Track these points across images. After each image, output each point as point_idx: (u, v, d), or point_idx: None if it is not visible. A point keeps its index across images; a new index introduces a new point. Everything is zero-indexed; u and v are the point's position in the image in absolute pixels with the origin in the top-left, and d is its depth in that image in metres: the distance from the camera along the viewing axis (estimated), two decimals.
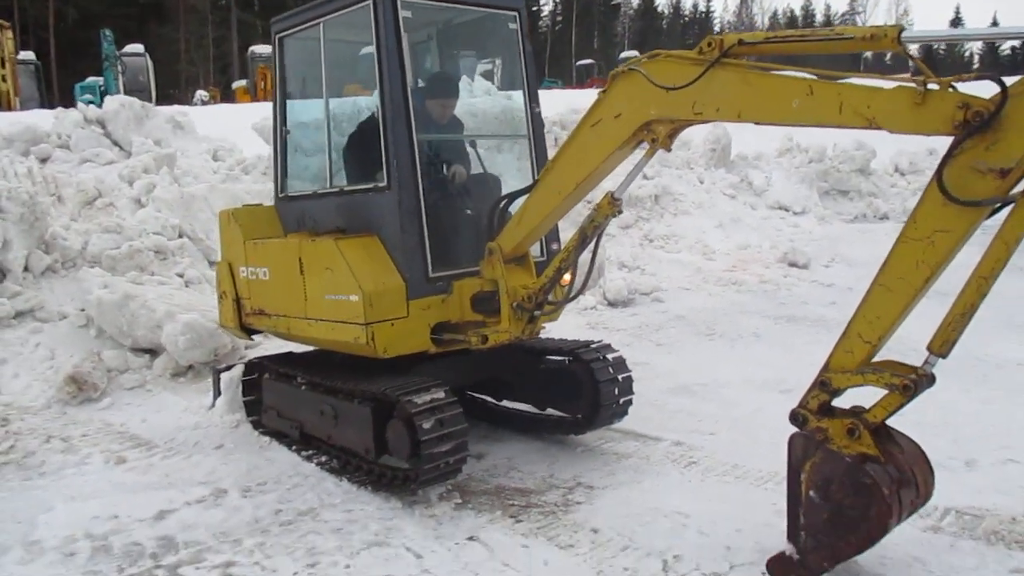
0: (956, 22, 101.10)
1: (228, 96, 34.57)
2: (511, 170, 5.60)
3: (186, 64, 44.42)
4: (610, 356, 5.15)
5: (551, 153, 4.61)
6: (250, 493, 4.64)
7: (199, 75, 44.44)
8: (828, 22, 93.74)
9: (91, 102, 27.89)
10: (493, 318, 4.60)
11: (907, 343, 3.65)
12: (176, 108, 13.06)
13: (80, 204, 8.97)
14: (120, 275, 7.62)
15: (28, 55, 29.05)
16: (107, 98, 11.16)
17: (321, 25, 4.89)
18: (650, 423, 5.54)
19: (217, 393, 5.92)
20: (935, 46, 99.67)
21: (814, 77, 3.27)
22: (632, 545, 3.89)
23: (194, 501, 4.55)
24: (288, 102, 5.50)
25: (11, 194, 7.43)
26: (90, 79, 29.50)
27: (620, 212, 4.26)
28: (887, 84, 3.18)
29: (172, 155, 9.97)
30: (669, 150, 3.97)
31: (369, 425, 4.57)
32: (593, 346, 5.24)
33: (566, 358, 5.23)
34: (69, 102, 31.28)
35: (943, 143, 3.08)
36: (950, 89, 2.98)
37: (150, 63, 28.58)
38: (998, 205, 2.95)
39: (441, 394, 4.39)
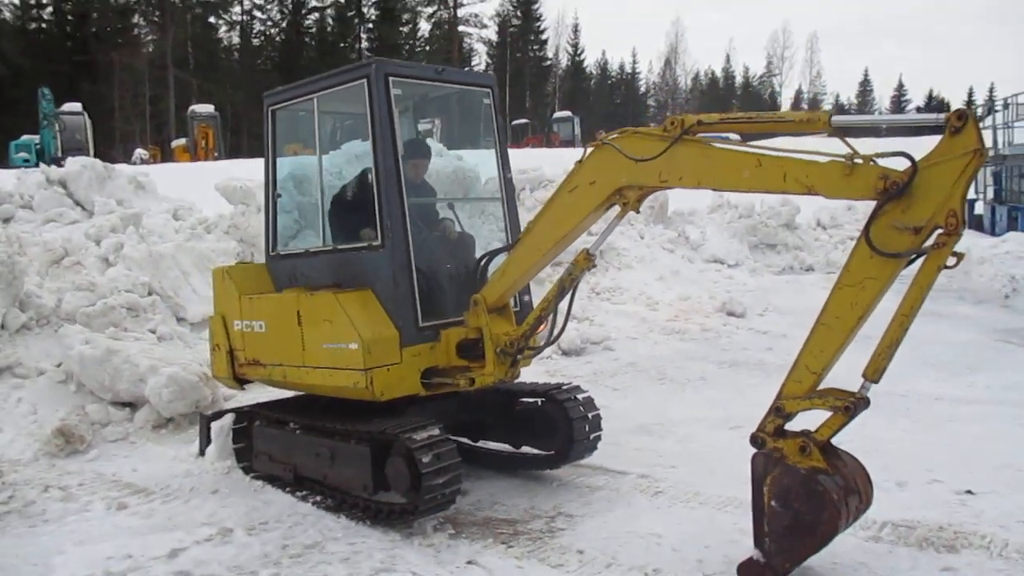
0: (865, 83, 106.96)
1: (167, 155, 34.52)
2: (479, 227, 6.18)
3: (121, 122, 44.18)
4: (580, 396, 5.68)
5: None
6: (254, 531, 4.97)
7: (135, 133, 44.22)
8: (747, 83, 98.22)
9: (26, 161, 27.74)
10: (477, 363, 5.09)
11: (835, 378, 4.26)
12: (138, 169, 13.27)
13: (47, 263, 9.14)
14: (96, 332, 7.84)
15: None
16: (69, 160, 11.34)
17: (315, 99, 5.39)
18: (616, 459, 6.04)
19: (207, 440, 6.20)
20: (847, 107, 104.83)
21: (763, 152, 3.92)
22: (615, 563, 4.37)
23: (203, 540, 4.86)
24: (279, 161, 5.94)
25: None
26: (25, 137, 29.25)
27: (594, 266, 4.85)
28: (821, 157, 3.86)
29: (138, 215, 10.23)
30: (638, 212, 4.58)
31: (368, 463, 4.97)
32: (565, 387, 5.77)
33: (540, 399, 5.74)
34: (2, 160, 30.86)
35: (863, 202, 3.76)
36: (872, 163, 3.65)
37: (88, 121, 28.47)
38: (913, 256, 3.61)
39: (437, 431, 4.83)
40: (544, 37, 75.78)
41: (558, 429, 5.59)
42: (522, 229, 5.01)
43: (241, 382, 5.95)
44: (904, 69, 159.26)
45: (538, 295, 5.30)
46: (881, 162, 3.71)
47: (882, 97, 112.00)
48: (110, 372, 7.12)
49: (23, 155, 28.19)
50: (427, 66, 5.64)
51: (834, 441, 3.93)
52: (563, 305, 4.93)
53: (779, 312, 12.07)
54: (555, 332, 5.10)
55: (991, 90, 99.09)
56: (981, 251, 15.62)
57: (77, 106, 28.84)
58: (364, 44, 65.43)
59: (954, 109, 3.59)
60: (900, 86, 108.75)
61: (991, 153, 19.98)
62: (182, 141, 33.91)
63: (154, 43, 47.74)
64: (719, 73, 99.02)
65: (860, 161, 3.68)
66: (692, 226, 15.29)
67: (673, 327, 11.10)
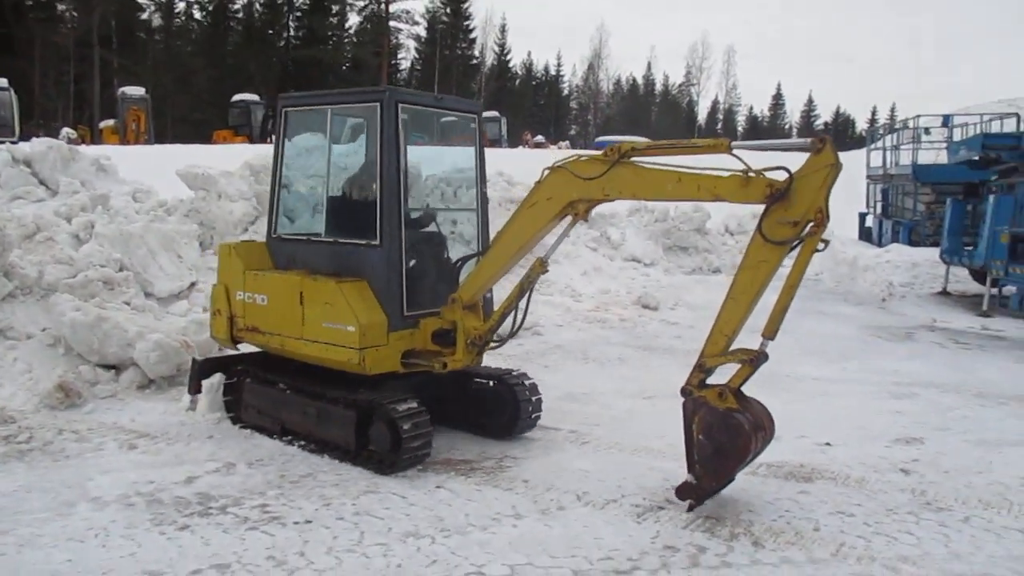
0: (778, 96, 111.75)
1: (96, 136, 34.18)
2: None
3: (43, 100, 43.15)
4: (527, 382, 6.82)
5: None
6: (254, 465, 5.96)
7: (58, 111, 43.24)
8: (666, 91, 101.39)
9: None
10: (448, 349, 6.18)
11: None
12: (99, 151, 13.77)
13: (20, 238, 9.79)
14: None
15: None
16: (34, 140, 11.86)
17: (329, 111, 6.38)
18: (549, 419, 7.19)
19: (197, 385, 7.03)
20: (760, 120, 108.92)
21: (681, 171, 5.15)
22: (554, 487, 5.56)
23: (211, 471, 5.83)
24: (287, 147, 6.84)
25: None
26: None
27: (547, 271, 6.01)
28: (724, 173, 5.10)
29: (106, 196, 10.92)
30: (587, 221, 5.80)
31: (353, 425, 6.00)
32: (514, 373, 6.91)
33: (493, 381, 6.85)
34: None
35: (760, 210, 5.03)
36: (761, 176, 4.90)
37: (14, 98, 28.12)
38: (795, 243, 4.87)
39: (415, 404, 5.91)
40: (473, 36, 76.83)
41: (506, 408, 6.71)
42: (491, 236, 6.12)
43: (237, 343, 6.88)
44: (814, 85, 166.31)
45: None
46: (768, 175, 5.00)
47: (793, 111, 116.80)
48: (99, 337, 7.91)
49: None
50: (429, 94, 6.66)
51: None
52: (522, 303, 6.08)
53: (688, 307, 13.50)
54: (515, 326, 6.21)
55: (892, 109, 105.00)
56: (867, 260, 17.53)
57: (3, 82, 28.42)
58: (292, 32, 65.19)
59: (817, 134, 4.93)
60: (810, 101, 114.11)
61: (880, 172, 22.10)
62: (111, 122, 33.62)
63: (78, 20, 46.68)
64: (640, 80, 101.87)
65: (753, 175, 4.94)
66: (613, 228, 16.67)
67: (595, 316, 12.39)
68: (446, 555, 4.49)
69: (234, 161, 13.50)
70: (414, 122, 6.75)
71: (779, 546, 4.66)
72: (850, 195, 24.83)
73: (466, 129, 6.93)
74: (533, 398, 6.76)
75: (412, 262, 6.29)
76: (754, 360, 4.94)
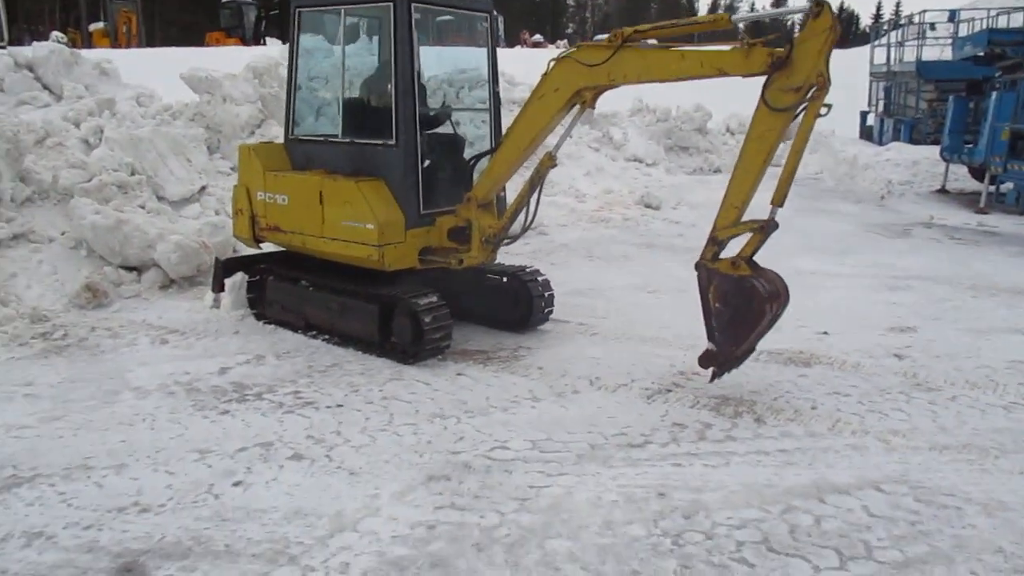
0: None
1: (86, 39, 33.45)
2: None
3: (28, 1, 41.98)
4: (540, 278, 7.07)
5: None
6: (282, 357, 6.29)
7: (44, 13, 42.15)
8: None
9: None
10: (464, 246, 6.39)
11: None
12: (101, 55, 13.65)
13: (31, 143, 9.89)
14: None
15: None
16: (36, 45, 11.79)
17: (343, 10, 6.42)
18: (560, 313, 7.47)
19: (220, 283, 7.30)
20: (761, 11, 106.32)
21: (684, 48, 5.23)
22: (567, 374, 5.90)
23: (242, 363, 6.15)
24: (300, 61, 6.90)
25: None
26: None
27: (556, 165, 6.16)
28: (725, 47, 5.13)
29: (112, 100, 10.95)
30: (594, 109, 5.91)
31: (376, 319, 6.28)
32: (528, 270, 7.15)
33: (506, 277, 7.10)
34: None
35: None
36: (762, 46, 4.93)
37: (2, 1, 27.39)
38: (799, 110, 4.90)
39: (435, 298, 6.18)
40: None
41: (520, 303, 6.98)
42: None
43: (259, 242, 7.11)
44: None
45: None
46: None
47: (794, 4, 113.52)
48: (120, 239, 8.14)
49: None
50: None
51: None
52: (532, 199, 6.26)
53: (690, 206, 13.70)
54: (528, 221, 6.42)
55: (897, 5, 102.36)
56: (866, 158, 17.65)
57: None
58: None
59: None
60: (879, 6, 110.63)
61: (883, 70, 21.90)
62: (100, 25, 32.88)
63: None
64: None
65: (754, 44, 4.94)
66: (615, 128, 16.68)
67: (598, 216, 12.60)
68: (472, 432, 4.84)
69: (232, 64, 13.44)
70: (425, 21, 6.81)
71: (779, 422, 5.02)
72: (852, 94, 24.68)
73: (465, 28, 6.96)
74: (546, 293, 7.03)
75: (427, 161, 6.45)
76: (764, 228, 5.03)
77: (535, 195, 6.24)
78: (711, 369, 5.35)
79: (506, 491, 4.10)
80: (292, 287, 6.94)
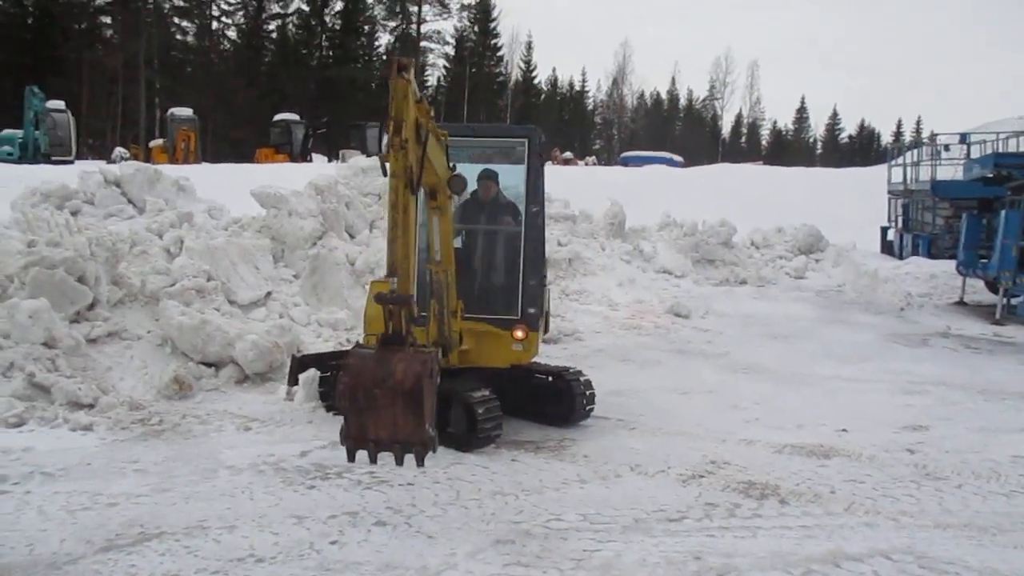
0: (801, 109, 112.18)
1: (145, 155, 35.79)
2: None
3: (91, 120, 45.03)
4: (582, 378, 7.85)
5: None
6: None
7: (106, 131, 45.09)
8: (690, 105, 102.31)
9: (10, 154, 28.85)
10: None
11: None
12: (179, 172, 15.01)
13: (125, 252, 11.01)
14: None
15: None
16: (123, 163, 13.13)
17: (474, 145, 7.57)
18: (599, 410, 8.18)
19: (295, 378, 8.15)
20: (784, 133, 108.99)
21: None
22: (610, 460, 6.60)
23: (319, 448, 6.90)
24: None
25: (99, 241, 9.55)
26: (6, 131, 30.28)
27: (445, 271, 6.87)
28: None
29: (191, 213, 12.14)
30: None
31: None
32: (571, 370, 7.95)
33: (551, 376, 7.90)
34: None
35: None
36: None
37: (72, 119, 29.72)
38: None
39: (487, 391, 6.98)
40: (500, 53, 78.32)
41: (564, 400, 7.74)
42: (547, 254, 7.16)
43: None
44: (838, 99, 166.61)
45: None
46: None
47: (817, 124, 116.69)
48: (203, 337, 9.06)
49: (7, 148, 29.30)
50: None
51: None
52: None
53: (717, 315, 14.49)
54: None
55: (918, 122, 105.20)
56: (886, 272, 18.44)
57: (60, 104, 30.05)
58: (324, 52, 67.01)
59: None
60: (834, 114, 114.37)
61: (900, 188, 22.95)
62: (159, 142, 35.21)
63: (125, 43, 48.61)
64: (664, 94, 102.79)
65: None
66: (645, 241, 17.70)
67: (631, 324, 13.42)
68: (529, 507, 5.54)
69: (284, 180, 14.76)
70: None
71: (801, 503, 5.66)
72: (872, 210, 25.75)
73: (509, 151, 7.90)
74: (587, 392, 7.79)
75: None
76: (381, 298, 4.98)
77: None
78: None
79: (563, 553, 4.77)
80: None
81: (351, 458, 5.09)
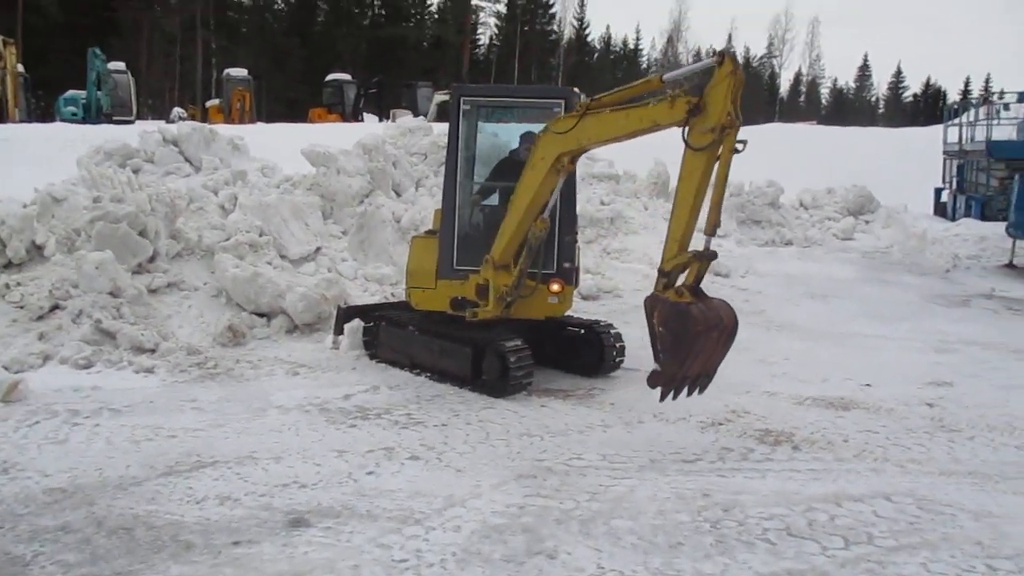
0: (864, 68, 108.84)
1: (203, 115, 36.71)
2: None
3: (150, 80, 46.17)
4: (612, 331, 8.15)
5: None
6: (394, 388, 7.48)
7: (164, 91, 46.23)
8: (747, 63, 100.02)
9: (74, 115, 29.87)
10: (484, 301, 7.47)
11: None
12: (234, 132, 15.59)
13: (183, 207, 11.57)
14: None
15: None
16: (181, 123, 13.70)
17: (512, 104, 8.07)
18: (629, 363, 8.51)
19: (340, 328, 8.64)
20: (846, 91, 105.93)
21: (629, 108, 6.16)
22: (635, 408, 6.93)
23: (361, 391, 7.37)
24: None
25: (159, 197, 10.11)
26: (71, 92, 31.33)
27: (548, 227, 7.12)
28: (655, 101, 5.92)
29: (244, 172, 12.66)
30: (573, 171, 6.92)
31: (469, 359, 7.45)
32: (602, 323, 8.25)
33: (582, 329, 8.22)
34: (47, 114, 32.89)
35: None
36: (681, 95, 5.68)
37: (132, 80, 30.60)
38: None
39: (519, 341, 7.32)
40: (552, 10, 77.46)
41: (594, 351, 8.06)
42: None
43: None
44: (904, 56, 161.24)
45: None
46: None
47: (880, 83, 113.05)
48: (256, 289, 9.57)
49: (72, 109, 30.38)
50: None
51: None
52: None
53: (758, 275, 14.57)
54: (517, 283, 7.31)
55: (987, 80, 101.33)
56: (936, 233, 18.25)
57: (121, 65, 30.95)
58: (376, 11, 67.14)
59: (719, 50, 5.63)
60: (898, 72, 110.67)
61: (956, 148, 22.48)
62: (215, 102, 36.03)
63: (183, 4, 49.52)
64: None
65: (675, 96, 5.69)
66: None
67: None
68: (553, 447, 5.91)
69: (337, 139, 15.17)
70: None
71: (813, 450, 5.94)
72: (929, 171, 25.26)
73: (547, 112, 8.13)
74: (617, 344, 8.09)
75: (469, 224, 7.77)
76: (699, 255, 5.62)
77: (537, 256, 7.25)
78: (658, 389, 5.78)
79: (581, 487, 5.15)
80: (401, 332, 8.18)
81: (664, 398, 5.81)
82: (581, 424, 6.49)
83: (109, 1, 50.37)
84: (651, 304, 5.72)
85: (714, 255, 5.77)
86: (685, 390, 5.89)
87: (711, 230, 5.66)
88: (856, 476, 5.42)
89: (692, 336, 5.49)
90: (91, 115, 29.58)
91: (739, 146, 5.49)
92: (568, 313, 8.30)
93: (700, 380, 5.94)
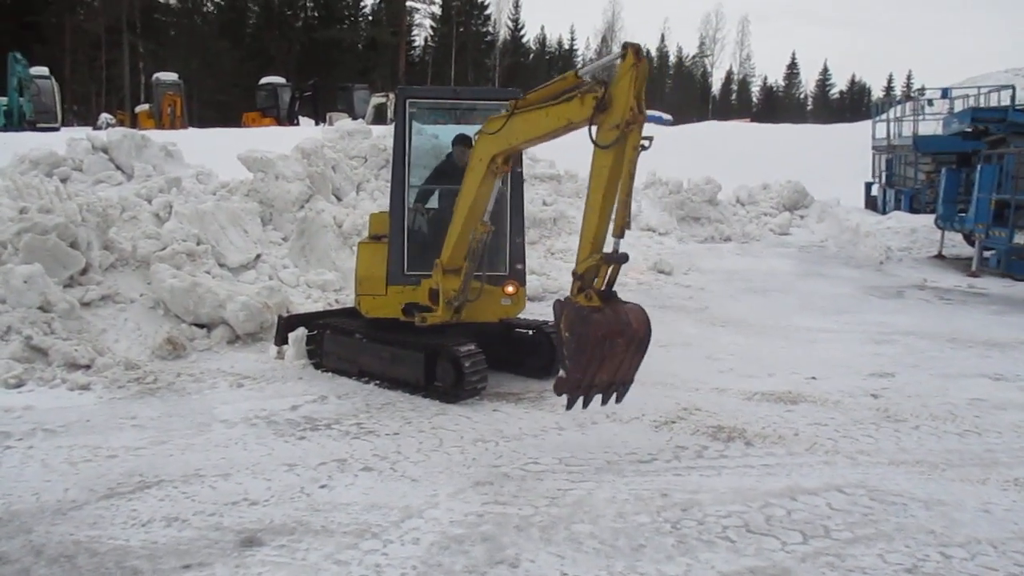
0: (792, 66, 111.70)
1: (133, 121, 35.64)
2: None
3: (76, 86, 44.65)
4: None
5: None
6: (342, 398, 7.33)
7: (91, 96, 44.73)
8: (680, 63, 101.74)
9: None
10: (435, 305, 7.44)
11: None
12: (166, 138, 15.11)
13: (115, 217, 11.19)
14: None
15: None
16: (110, 129, 13.24)
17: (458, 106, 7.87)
18: None
19: (284, 338, 8.43)
20: (775, 90, 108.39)
21: (547, 107, 5.97)
22: (588, 409, 6.85)
23: (309, 402, 7.20)
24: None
25: (90, 206, 9.74)
26: None
27: (491, 230, 7.06)
28: (568, 100, 5.73)
29: (179, 179, 12.30)
30: (508, 171, 6.80)
31: (422, 364, 7.34)
32: (550, 324, 8.19)
33: (531, 331, 8.18)
34: None
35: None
36: (588, 92, 5.41)
37: (56, 86, 29.57)
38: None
39: (473, 346, 7.24)
40: (487, 12, 77.51)
41: (543, 352, 8.02)
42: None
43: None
44: (829, 55, 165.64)
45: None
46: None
47: (808, 80, 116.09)
48: (195, 300, 9.29)
49: None
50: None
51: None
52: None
53: (700, 272, 14.76)
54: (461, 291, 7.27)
55: (908, 77, 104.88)
56: (868, 226, 18.71)
57: (44, 70, 29.87)
58: (309, 13, 66.21)
59: (623, 43, 5.41)
60: (825, 70, 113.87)
61: (884, 144, 23.14)
62: (145, 107, 35.05)
63: (107, 7, 48.04)
64: (654, 52, 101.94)
65: (581, 93, 5.51)
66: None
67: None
68: (508, 452, 5.85)
69: (273, 143, 14.88)
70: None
71: (765, 445, 6.00)
72: (858, 166, 25.97)
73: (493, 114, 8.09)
74: None
75: (418, 229, 7.67)
76: (608, 258, 5.38)
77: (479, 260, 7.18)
78: (564, 395, 5.54)
79: (539, 492, 5.09)
80: (348, 339, 8.02)
81: (571, 406, 5.56)
82: (535, 428, 6.44)
83: (30, 5, 48.67)
84: (559, 308, 5.50)
85: (625, 257, 5.44)
86: (599, 398, 5.68)
87: (618, 231, 5.38)
88: (809, 470, 5.49)
89: (594, 342, 5.23)
90: (13, 122, 28.52)
91: (645, 142, 5.25)
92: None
93: (616, 388, 5.70)
